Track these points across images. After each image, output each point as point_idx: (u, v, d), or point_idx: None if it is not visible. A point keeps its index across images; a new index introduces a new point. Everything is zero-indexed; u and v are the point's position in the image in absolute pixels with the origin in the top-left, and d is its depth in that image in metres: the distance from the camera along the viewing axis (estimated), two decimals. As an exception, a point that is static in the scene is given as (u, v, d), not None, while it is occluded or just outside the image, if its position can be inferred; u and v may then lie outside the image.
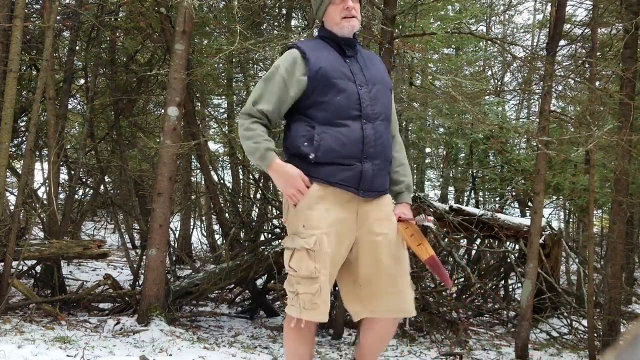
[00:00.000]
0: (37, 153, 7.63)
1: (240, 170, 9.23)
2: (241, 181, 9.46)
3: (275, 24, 8.04)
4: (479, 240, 7.57)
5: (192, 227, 10.63)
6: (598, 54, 5.77)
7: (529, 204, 8.76)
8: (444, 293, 6.24)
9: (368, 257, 2.17)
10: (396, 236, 2.23)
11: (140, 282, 5.63)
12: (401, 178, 2.34)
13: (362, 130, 2.13)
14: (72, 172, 7.58)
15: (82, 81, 7.90)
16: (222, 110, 10.68)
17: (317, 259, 2.06)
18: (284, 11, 7.93)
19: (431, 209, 6.24)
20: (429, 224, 2.34)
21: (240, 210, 7.77)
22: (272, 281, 6.07)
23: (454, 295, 6.53)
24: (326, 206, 2.11)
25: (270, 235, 7.28)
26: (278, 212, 7.51)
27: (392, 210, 2.28)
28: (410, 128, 10.25)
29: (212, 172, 7.76)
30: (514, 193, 9.59)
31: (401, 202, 2.34)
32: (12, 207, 6.00)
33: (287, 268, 2.14)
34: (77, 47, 7.02)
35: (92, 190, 8.46)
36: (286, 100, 2.16)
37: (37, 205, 6.69)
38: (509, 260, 6.96)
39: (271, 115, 2.16)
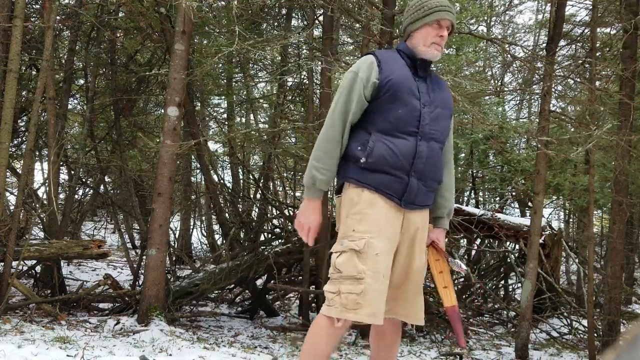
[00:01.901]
0: (37, 153, 7.63)
1: (240, 170, 9.23)
2: (241, 181, 9.46)
3: (275, 24, 8.04)
4: (479, 240, 7.58)
5: (192, 227, 10.64)
6: (598, 54, 5.77)
7: (529, 204, 8.76)
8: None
9: (404, 262, 2.25)
10: (425, 250, 2.33)
11: (140, 282, 5.63)
12: (446, 203, 2.42)
13: (416, 146, 2.19)
14: (72, 172, 7.58)
15: (82, 81, 7.90)
16: (222, 110, 10.68)
17: (365, 260, 2.12)
18: (284, 11, 7.93)
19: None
20: (462, 273, 2.39)
21: (240, 210, 7.77)
22: (272, 281, 6.07)
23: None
24: (376, 210, 2.17)
25: (270, 235, 7.29)
26: (278, 212, 7.52)
27: (428, 224, 2.36)
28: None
29: (212, 172, 7.76)
30: (514, 193, 9.59)
31: (439, 226, 2.42)
32: (12, 207, 6.00)
33: (332, 271, 2.19)
34: (77, 47, 7.02)
35: (92, 190, 8.46)
36: (364, 101, 2.22)
37: (37, 205, 6.69)
38: (509, 260, 6.97)
39: (354, 119, 2.24)
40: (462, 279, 6.95)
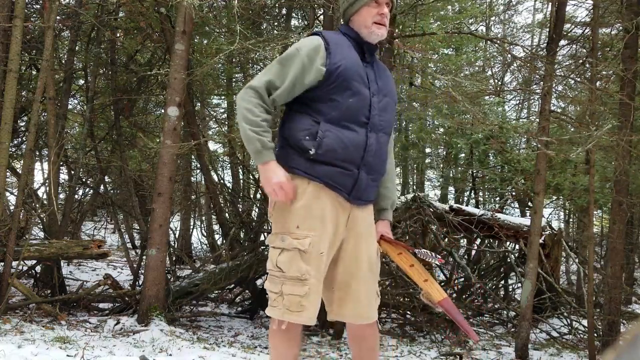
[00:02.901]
0: (37, 153, 7.64)
1: (240, 170, 9.23)
2: (241, 181, 9.46)
3: (275, 24, 8.04)
4: (479, 240, 7.58)
5: (192, 227, 10.63)
6: (598, 54, 5.77)
7: (529, 204, 8.76)
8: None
9: (349, 261, 2.14)
10: (375, 247, 2.22)
11: (140, 282, 5.63)
12: (389, 194, 2.31)
13: (367, 138, 2.08)
14: (72, 172, 7.59)
15: (82, 81, 7.90)
16: (222, 110, 10.68)
17: (309, 261, 2.01)
18: (284, 11, 7.93)
19: (431, 209, 6.25)
20: (437, 263, 2.22)
21: (240, 210, 7.77)
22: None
23: (454, 295, 6.53)
24: (322, 207, 2.05)
25: (270, 235, 7.28)
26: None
27: (373, 221, 2.26)
28: (410, 128, 10.26)
29: (212, 172, 7.76)
30: (514, 193, 9.59)
31: (384, 219, 2.31)
32: (12, 207, 6.00)
33: (272, 267, 2.06)
34: (77, 47, 7.02)
35: (92, 190, 8.46)
36: (300, 87, 2.06)
37: (37, 205, 6.69)
38: (509, 260, 6.97)
39: (279, 100, 2.07)
40: (462, 279, 6.95)
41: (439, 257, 2.19)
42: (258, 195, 8.50)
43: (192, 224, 10.72)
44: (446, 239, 6.61)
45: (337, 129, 2.05)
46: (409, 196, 6.38)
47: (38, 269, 5.88)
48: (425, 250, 2.19)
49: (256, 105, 2.03)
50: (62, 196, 7.69)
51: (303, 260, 2.01)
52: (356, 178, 2.09)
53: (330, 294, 2.17)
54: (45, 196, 6.93)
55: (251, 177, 8.95)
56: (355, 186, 2.10)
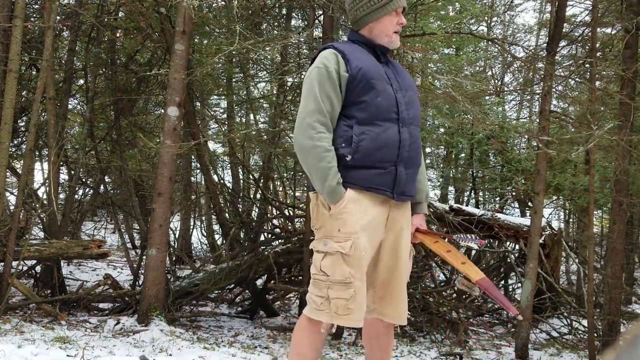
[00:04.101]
0: (37, 153, 7.63)
1: (240, 170, 9.22)
2: (241, 181, 9.46)
3: (275, 24, 8.03)
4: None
5: (192, 227, 10.63)
6: (598, 54, 5.77)
7: (529, 204, 8.76)
8: (444, 293, 6.24)
9: (389, 261, 2.18)
10: (409, 248, 2.24)
11: (140, 282, 5.63)
12: (422, 187, 2.32)
13: (400, 133, 2.11)
14: (72, 172, 7.58)
15: (82, 81, 7.90)
16: (222, 110, 10.67)
17: (352, 263, 2.04)
18: (284, 11, 7.93)
19: (431, 209, 6.24)
20: (478, 246, 2.25)
21: (240, 210, 7.77)
22: (272, 281, 6.07)
23: (454, 295, 6.53)
24: (361, 209, 2.08)
25: (270, 235, 7.28)
26: (278, 212, 7.52)
27: (409, 218, 2.27)
28: (410, 128, 10.23)
29: (212, 172, 7.75)
30: (514, 193, 9.59)
31: (419, 212, 2.32)
32: (12, 207, 6.00)
33: (316, 272, 2.10)
34: (77, 47, 7.02)
35: (92, 190, 8.46)
36: (341, 99, 2.11)
37: (37, 205, 6.69)
38: (509, 260, 6.97)
39: (335, 118, 2.11)
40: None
41: (479, 239, 2.23)
42: (258, 195, 8.50)
43: (192, 224, 10.71)
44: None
45: (371, 129, 2.08)
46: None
47: (38, 269, 5.88)
48: (464, 235, 2.22)
49: (326, 140, 2.06)
50: (62, 196, 7.69)
51: (346, 264, 2.04)
52: (395, 175, 2.12)
53: (371, 292, 2.19)
54: (45, 196, 6.93)
55: (251, 177, 8.95)
56: (396, 183, 2.12)
